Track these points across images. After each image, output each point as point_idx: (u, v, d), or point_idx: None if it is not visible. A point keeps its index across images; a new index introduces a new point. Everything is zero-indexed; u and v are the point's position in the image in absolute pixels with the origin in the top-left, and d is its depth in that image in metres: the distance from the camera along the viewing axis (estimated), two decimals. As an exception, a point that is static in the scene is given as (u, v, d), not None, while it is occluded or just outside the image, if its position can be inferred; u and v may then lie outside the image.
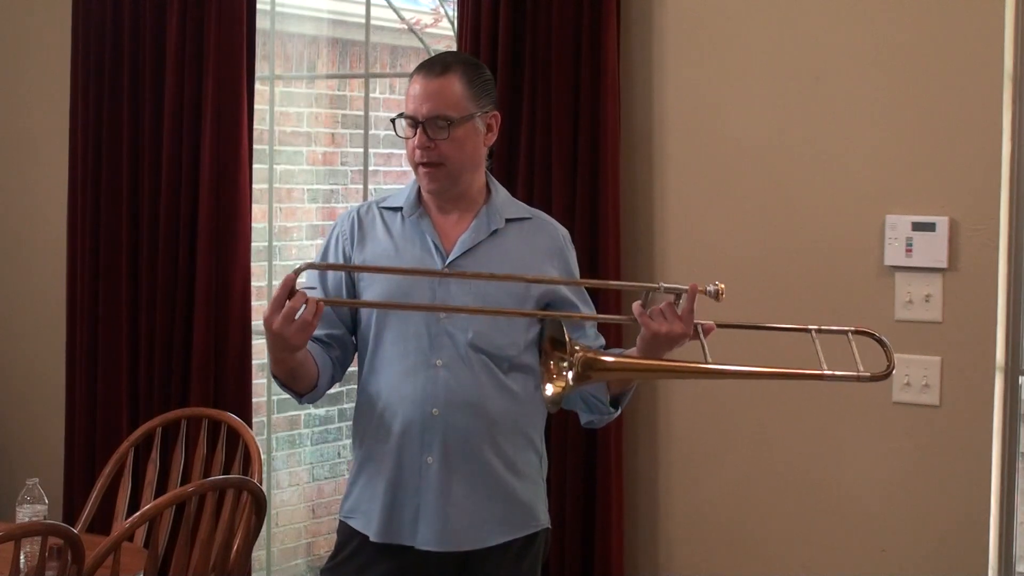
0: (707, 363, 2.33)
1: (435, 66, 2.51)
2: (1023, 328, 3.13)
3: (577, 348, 2.27)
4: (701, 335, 2.36)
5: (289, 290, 2.28)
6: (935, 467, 3.17)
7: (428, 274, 2.49)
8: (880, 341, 2.43)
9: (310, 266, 2.41)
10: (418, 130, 2.47)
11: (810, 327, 2.40)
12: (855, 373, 2.35)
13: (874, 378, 2.37)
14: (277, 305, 2.29)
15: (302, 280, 2.34)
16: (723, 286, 2.33)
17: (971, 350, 3.12)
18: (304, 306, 2.28)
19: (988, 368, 3.12)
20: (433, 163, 2.49)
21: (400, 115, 2.52)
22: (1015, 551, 3.17)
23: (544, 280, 2.53)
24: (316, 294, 2.57)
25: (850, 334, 2.42)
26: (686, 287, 2.35)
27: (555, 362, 2.32)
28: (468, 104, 2.49)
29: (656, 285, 2.39)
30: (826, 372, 2.33)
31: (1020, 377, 3.15)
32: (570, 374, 2.27)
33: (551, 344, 2.35)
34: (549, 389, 2.35)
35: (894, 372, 2.41)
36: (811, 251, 3.30)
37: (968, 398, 3.14)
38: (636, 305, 2.38)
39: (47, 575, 2.66)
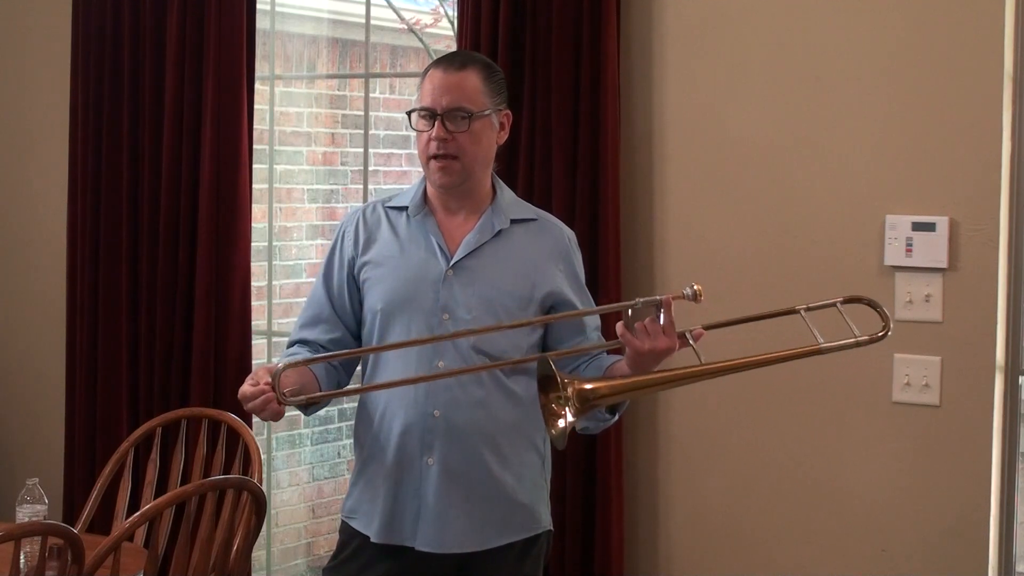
0: (701, 364, 2.28)
1: (454, 61, 2.52)
2: (1023, 328, 3.13)
3: (566, 382, 2.19)
4: (692, 342, 2.30)
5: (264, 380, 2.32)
6: (935, 467, 3.17)
7: (426, 341, 2.45)
8: (871, 303, 2.37)
9: (289, 365, 2.39)
10: (436, 122, 2.47)
11: (798, 307, 2.34)
12: (853, 339, 2.29)
13: (873, 340, 2.31)
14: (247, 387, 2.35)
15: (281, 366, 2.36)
16: (700, 287, 2.27)
17: (971, 350, 3.12)
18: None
19: (988, 368, 3.12)
20: (449, 155, 2.48)
21: (415, 109, 2.51)
22: (1015, 551, 3.17)
23: (524, 323, 2.48)
24: (321, 300, 2.60)
25: (839, 304, 2.36)
26: (662, 298, 2.29)
27: (553, 402, 2.23)
28: (486, 100, 2.50)
29: (633, 302, 2.31)
30: (823, 344, 2.27)
31: (1020, 377, 3.15)
32: (568, 410, 2.18)
33: (542, 384, 2.25)
34: (556, 429, 2.24)
35: (887, 336, 2.34)
36: (811, 251, 3.30)
37: (968, 398, 3.14)
38: (619, 325, 2.31)
39: (47, 575, 2.66)
